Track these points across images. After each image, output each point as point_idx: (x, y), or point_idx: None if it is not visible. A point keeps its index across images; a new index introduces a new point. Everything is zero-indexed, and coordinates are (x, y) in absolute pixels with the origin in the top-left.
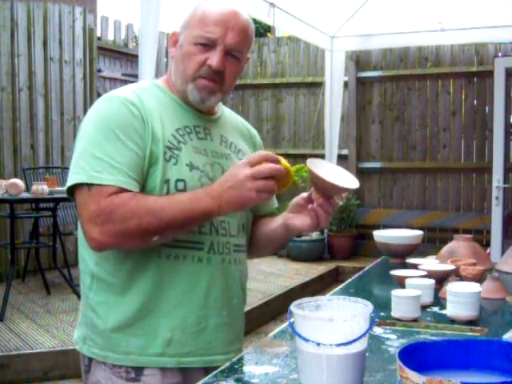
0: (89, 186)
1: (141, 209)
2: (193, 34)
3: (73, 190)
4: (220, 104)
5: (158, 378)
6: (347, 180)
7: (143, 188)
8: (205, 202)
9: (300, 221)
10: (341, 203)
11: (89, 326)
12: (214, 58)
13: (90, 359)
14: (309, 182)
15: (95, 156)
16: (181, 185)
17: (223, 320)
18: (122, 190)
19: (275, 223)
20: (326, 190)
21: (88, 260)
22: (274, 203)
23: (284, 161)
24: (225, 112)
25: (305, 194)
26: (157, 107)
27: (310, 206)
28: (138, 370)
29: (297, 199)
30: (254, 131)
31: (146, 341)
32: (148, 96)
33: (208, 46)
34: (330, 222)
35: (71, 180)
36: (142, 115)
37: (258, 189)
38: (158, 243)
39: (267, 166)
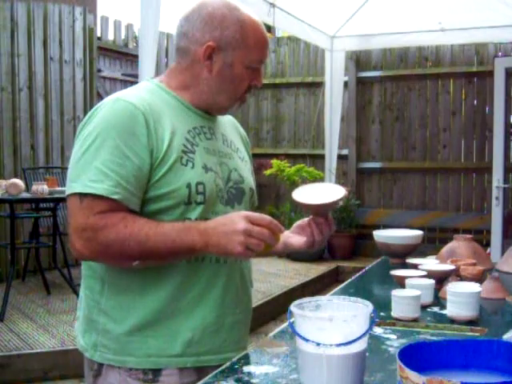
0: (81, 196)
1: (126, 233)
2: (250, 58)
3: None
4: None
5: (175, 377)
6: (334, 192)
7: (166, 194)
8: (191, 238)
9: (296, 239)
10: (340, 203)
11: (100, 331)
12: (259, 79)
13: (101, 364)
14: (307, 183)
15: (92, 164)
16: (201, 187)
17: (237, 318)
18: (113, 206)
19: None
20: (318, 211)
21: (96, 266)
22: None
23: (280, 234)
24: None
25: (306, 219)
26: (165, 111)
27: (304, 222)
28: (157, 371)
29: (299, 221)
30: (242, 129)
31: (166, 342)
32: (155, 99)
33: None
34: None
35: (68, 189)
36: (148, 122)
37: (247, 245)
38: (139, 267)
39: (266, 232)
